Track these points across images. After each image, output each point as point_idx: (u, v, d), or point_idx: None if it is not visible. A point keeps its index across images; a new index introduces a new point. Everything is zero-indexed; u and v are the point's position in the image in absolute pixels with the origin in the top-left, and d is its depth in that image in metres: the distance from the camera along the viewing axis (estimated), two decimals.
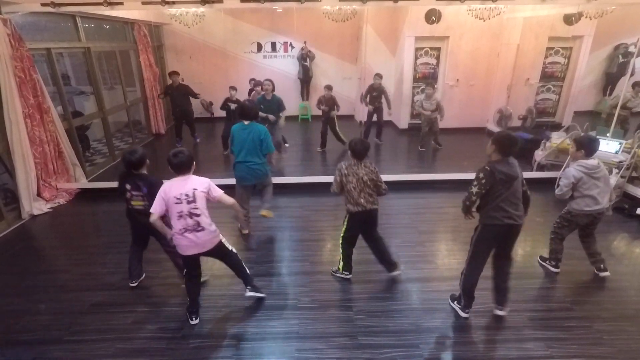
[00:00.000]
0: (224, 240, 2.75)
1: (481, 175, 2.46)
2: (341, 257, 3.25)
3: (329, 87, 6.53)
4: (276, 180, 5.19)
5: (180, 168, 2.47)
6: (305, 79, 9.06)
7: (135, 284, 3.19)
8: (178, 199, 2.42)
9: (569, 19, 6.83)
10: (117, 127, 7.79)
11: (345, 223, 3.12)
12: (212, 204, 2.60)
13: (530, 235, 3.98)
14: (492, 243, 2.64)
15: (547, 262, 3.40)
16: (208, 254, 2.66)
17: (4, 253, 3.81)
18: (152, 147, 7.47)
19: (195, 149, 7.20)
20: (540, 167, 5.53)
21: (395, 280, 3.24)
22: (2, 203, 4.32)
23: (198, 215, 2.48)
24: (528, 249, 3.80)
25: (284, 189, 4.67)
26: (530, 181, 5.24)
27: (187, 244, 2.51)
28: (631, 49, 7.37)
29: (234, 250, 2.85)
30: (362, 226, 3.13)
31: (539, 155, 5.52)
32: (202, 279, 3.18)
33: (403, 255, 3.45)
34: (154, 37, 7.91)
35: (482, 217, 2.59)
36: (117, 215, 4.65)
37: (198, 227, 2.49)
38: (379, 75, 6.68)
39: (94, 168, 6.02)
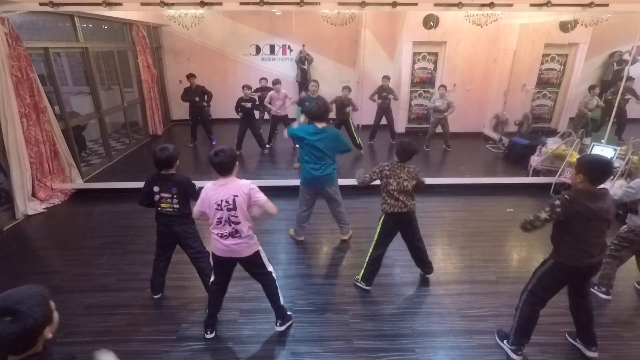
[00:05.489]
0: (262, 254, 2.58)
1: (557, 202, 2.12)
2: (366, 263, 3.12)
3: (348, 89, 6.65)
4: (276, 183, 5.20)
5: (221, 168, 2.34)
6: (304, 82, 9.07)
7: (159, 296, 3.11)
8: (218, 205, 2.32)
9: (564, 26, 6.90)
10: (114, 128, 7.76)
11: (380, 225, 3.04)
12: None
13: (526, 241, 3.99)
14: (563, 283, 2.37)
15: (597, 287, 3.09)
16: (242, 263, 2.53)
17: None
18: (148, 148, 7.43)
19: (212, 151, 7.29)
20: (536, 173, 5.59)
21: (391, 284, 3.25)
22: None
23: (238, 222, 2.36)
24: (524, 254, 3.81)
25: (282, 191, 4.67)
26: (526, 186, 5.40)
27: (222, 248, 2.42)
28: (626, 56, 7.47)
29: (273, 274, 2.66)
30: (398, 228, 3.07)
31: (535, 160, 5.58)
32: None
33: (399, 258, 3.45)
34: (152, 38, 7.88)
35: (558, 253, 2.27)
36: (113, 216, 4.65)
37: (235, 234, 2.38)
38: (387, 78, 7.04)
39: (90, 169, 5.99)
